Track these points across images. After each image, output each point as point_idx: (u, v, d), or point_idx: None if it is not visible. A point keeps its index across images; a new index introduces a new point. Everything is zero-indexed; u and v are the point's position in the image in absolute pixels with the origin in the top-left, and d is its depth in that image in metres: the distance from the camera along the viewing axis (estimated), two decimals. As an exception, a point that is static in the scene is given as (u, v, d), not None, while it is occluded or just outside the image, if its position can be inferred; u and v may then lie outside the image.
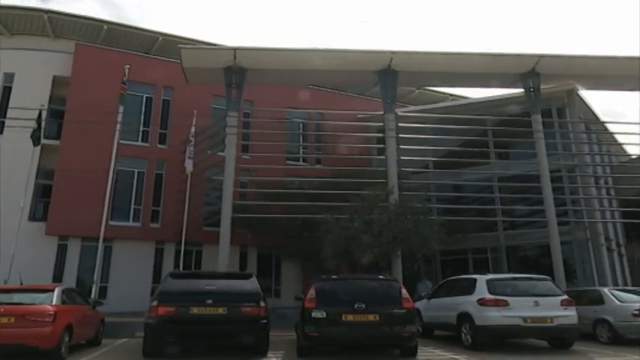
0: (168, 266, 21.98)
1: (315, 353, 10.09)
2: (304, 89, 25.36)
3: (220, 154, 20.44)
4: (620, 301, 12.96)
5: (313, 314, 9.60)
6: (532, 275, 13.06)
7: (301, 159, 25.56)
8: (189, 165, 20.75)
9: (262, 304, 9.85)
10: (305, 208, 18.95)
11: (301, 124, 25.74)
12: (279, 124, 23.03)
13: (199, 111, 22.15)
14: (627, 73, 20.91)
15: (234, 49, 19.68)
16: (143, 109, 23.81)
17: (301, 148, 25.64)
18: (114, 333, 13.61)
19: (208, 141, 22.29)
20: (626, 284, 22.21)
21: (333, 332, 9.55)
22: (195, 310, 9.46)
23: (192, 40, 25.47)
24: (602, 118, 25.61)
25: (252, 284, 10.33)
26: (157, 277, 21.58)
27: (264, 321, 9.80)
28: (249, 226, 20.50)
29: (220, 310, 9.52)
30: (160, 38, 25.84)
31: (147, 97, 23.95)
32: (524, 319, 10.84)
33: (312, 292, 9.97)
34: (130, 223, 22.42)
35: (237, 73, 19.98)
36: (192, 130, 21.28)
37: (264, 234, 21.25)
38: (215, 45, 24.86)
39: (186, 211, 20.47)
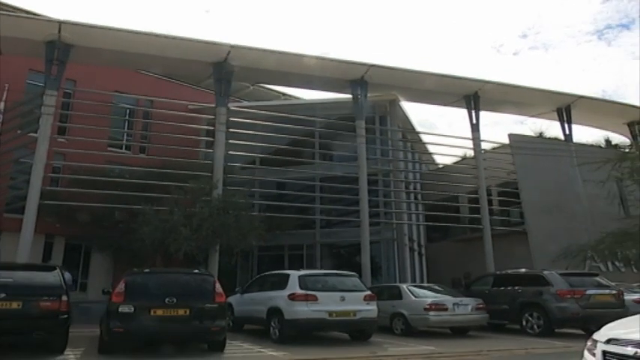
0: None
1: (117, 350, 9.74)
2: (134, 73, 24.20)
3: (32, 134, 18.82)
4: (415, 296, 13.99)
5: (120, 309, 9.28)
6: (341, 272, 13.84)
7: (124, 146, 24.37)
8: (-7, 144, 18.82)
9: (64, 298, 9.31)
10: (123, 198, 18.25)
11: (128, 110, 24.43)
12: (103, 107, 21.63)
13: (11, 86, 20.08)
14: (443, 89, 23.37)
15: (60, 22, 18.31)
16: (-58, 78, 20.88)
17: (125, 135, 24.50)
18: None
19: (19, 119, 20.33)
20: (422, 281, 24.61)
21: (139, 327, 9.30)
22: None
23: (12, 7, 22.85)
24: (418, 128, 28.11)
25: (54, 277, 9.73)
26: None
27: (65, 316, 9.26)
28: (58, 215, 19.25)
29: (14, 305, 8.83)
30: (-29, 1, 22.88)
31: (-53, 66, 21.06)
32: (330, 313, 11.42)
33: (120, 286, 9.64)
34: None
35: (61, 48, 18.63)
36: (1, 106, 19.37)
37: (74, 223, 20.01)
38: (38, 15, 22.59)
39: (-16, 194, 18.51)
